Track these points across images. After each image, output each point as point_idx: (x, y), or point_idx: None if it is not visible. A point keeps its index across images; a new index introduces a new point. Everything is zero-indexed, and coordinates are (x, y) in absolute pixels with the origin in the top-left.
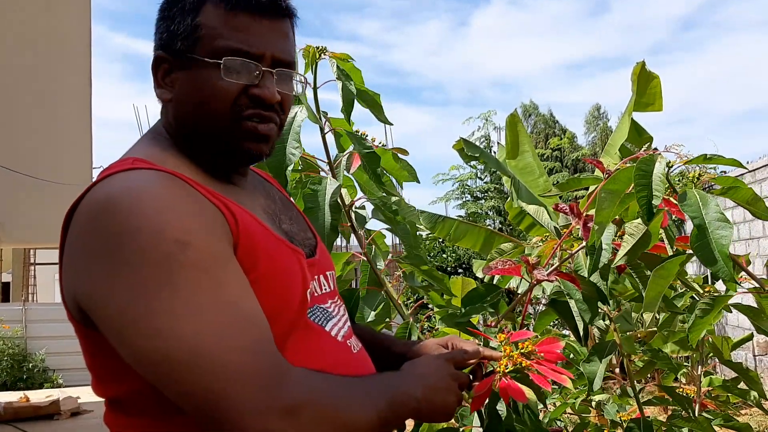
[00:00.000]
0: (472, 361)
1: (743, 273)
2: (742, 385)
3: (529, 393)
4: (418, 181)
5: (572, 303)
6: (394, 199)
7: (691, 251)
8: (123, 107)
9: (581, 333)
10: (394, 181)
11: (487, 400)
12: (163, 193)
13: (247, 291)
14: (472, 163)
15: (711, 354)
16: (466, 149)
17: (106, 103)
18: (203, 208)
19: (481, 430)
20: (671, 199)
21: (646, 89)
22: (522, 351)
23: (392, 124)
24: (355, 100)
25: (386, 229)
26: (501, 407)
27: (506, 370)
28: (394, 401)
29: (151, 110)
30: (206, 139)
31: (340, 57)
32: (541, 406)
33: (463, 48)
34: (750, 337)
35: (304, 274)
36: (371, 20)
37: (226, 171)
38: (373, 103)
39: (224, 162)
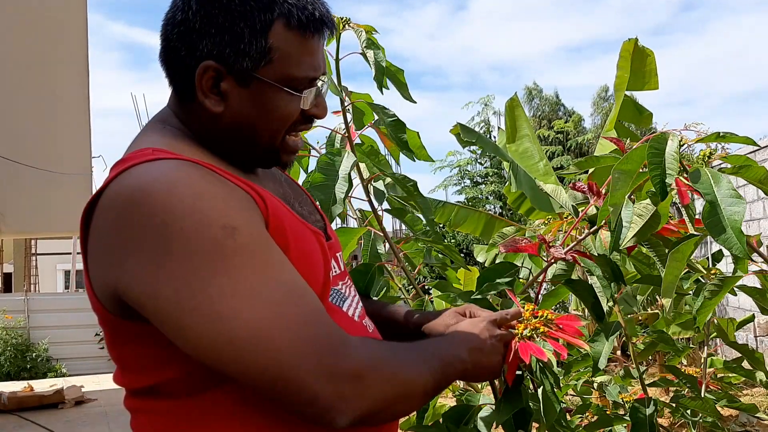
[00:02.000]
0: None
1: (754, 254)
2: (745, 366)
3: (549, 354)
4: (433, 159)
5: (594, 280)
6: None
7: (702, 232)
8: (121, 96)
9: (604, 309)
10: (390, 161)
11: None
12: (196, 181)
13: (291, 267)
14: (472, 148)
15: (714, 335)
16: (463, 134)
17: (104, 92)
18: (236, 193)
19: (491, 410)
20: (681, 178)
21: (640, 67)
22: (541, 318)
23: (415, 102)
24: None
25: (396, 208)
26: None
27: (524, 334)
28: (444, 363)
29: (150, 99)
30: (251, 150)
31: (366, 29)
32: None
33: (462, 32)
34: (752, 318)
35: (325, 256)
36: (369, 5)
37: (250, 168)
38: (396, 79)
39: (254, 164)
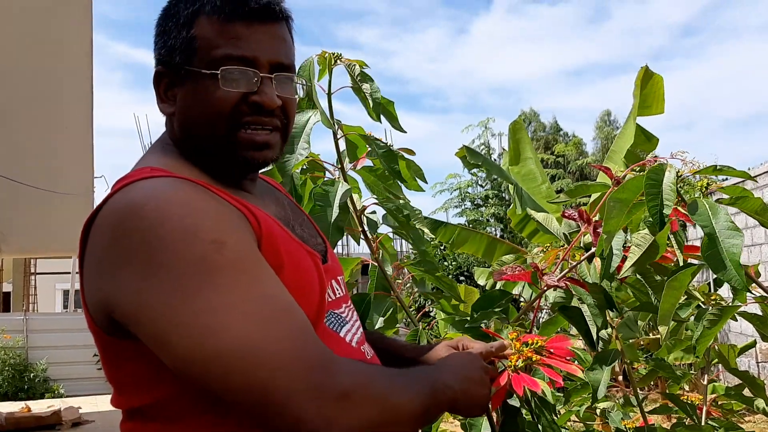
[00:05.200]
0: (505, 352)
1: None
2: (746, 392)
3: (542, 385)
4: (423, 189)
5: (585, 308)
6: (401, 201)
7: (701, 262)
8: (123, 116)
9: (594, 338)
10: (400, 184)
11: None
12: (188, 197)
13: (281, 285)
14: (473, 170)
15: (715, 361)
16: (469, 157)
17: (106, 112)
18: (228, 210)
19: None
20: (678, 207)
21: (648, 92)
22: (532, 346)
23: (405, 132)
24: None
25: (394, 233)
26: (514, 403)
27: (517, 365)
28: (434, 390)
29: (152, 119)
30: (209, 149)
31: (359, 63)
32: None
33: (463, 55)
34: (753, 344)
35: (321, 277)
36: (370, 28)
37: (236, 179)
38: (386, 111)
39: (230, 170)
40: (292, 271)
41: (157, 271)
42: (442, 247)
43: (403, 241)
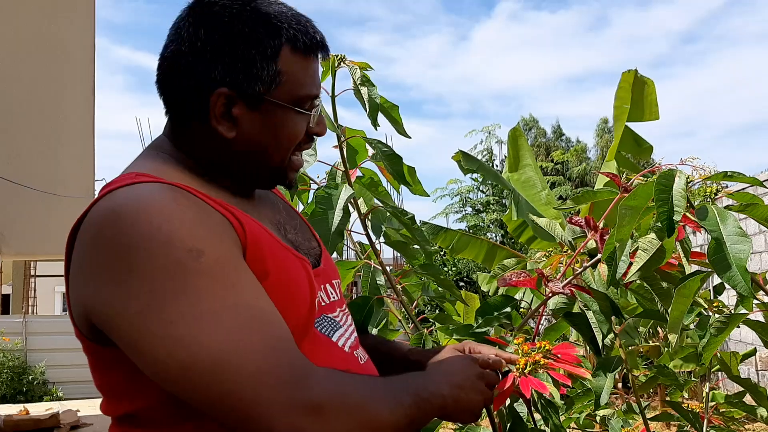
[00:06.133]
0: (512, 357)
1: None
2: (747, 400)
3: (550, 387)
4: (428, 194)
5: (590, 315)
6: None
7: (705, 268)
8: (125, 119)
9: (600, 345)
10: (391, 191)
11: (507, 401)
12: (169, 203)
13: (261, 293)
14: (473, 175)
15: (717, 368)
16: (464, 162)
17: (107, 115)
18: (210, 216)
19: None
20: (687, 213)
21: (640, 98)
22: (539, 350)
23: (410, 137)
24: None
25: (387, 242)
26: (521, 409)
27: (525, 369)
28: (420, 398)
29: (153, 122)
30: (259, 172)
31: (361, 65)
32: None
33: (465, 62)
34: (753, 352)
35: (311, 283)
36: (372, 34)
37: (249, 190)
38: (390, 115)
39: (254, 185)
40: (279, 278)
41: (132, 278)
42: (442, 253)
43: (394, 251)
